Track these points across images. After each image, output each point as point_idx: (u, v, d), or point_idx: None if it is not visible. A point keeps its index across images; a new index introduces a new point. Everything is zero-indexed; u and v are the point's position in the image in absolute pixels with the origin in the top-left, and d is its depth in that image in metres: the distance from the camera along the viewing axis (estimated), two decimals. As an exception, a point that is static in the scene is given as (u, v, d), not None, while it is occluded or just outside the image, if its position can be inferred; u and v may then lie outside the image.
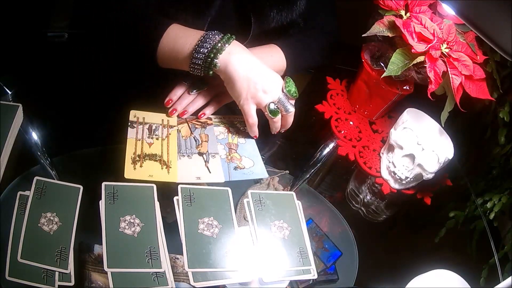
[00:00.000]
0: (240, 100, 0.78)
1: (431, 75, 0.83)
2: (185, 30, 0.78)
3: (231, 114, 0.90)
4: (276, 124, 0.83)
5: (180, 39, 0.76)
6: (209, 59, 0.75)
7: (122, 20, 0.78)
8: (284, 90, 0.81)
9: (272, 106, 0.79)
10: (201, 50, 0.75)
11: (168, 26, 0.77)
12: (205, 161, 0.77)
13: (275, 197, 0.77)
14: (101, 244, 0.62)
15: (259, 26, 0.96)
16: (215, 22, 0.94)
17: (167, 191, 0.71)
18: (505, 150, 0.95)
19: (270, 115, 0.80)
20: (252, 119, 0.80)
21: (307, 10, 0.97)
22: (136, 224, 0.66)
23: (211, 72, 0.77)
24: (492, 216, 0.90)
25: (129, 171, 0.70)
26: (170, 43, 0.76)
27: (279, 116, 0.81)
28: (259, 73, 0.78)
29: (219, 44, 0.75)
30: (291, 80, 0.83)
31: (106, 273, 0.60)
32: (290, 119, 0.84)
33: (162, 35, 0.76)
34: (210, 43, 0.75)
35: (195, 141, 0.81)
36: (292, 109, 0.82)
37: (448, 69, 0.84)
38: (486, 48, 0.90)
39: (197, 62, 0.76)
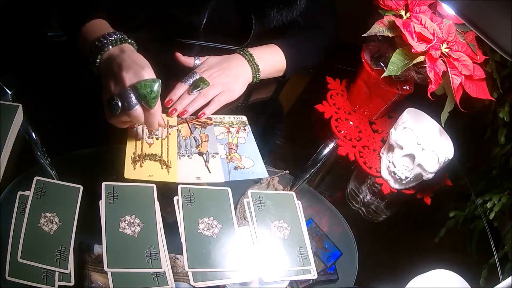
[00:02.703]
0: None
1: (431, 75, 0.83)
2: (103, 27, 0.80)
3: (231, 114, 0.90)
4: (119, 121, 0.73)
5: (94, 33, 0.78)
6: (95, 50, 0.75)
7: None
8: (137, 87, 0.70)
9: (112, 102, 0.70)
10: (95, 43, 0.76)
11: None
12: (205, 161, 0.77)
13: (275, 197, 0.77)
14: (101, 244, 0.62)
15: (259, 25, 0.96)
16: (215, 22, 0.94)
17: (167, 191, 0.71)
18: (505, 150, 0.95)
19: (108, 110, 0.71)
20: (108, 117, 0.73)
21: (307, 10, 0.97)
22: (136, 224, 0.66)
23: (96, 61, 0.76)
24: (492, 216, 0.90)
25: (129, 171, 0.70)
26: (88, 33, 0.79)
27: (117, 113, 0.70)
28: (123, 66, 0.72)
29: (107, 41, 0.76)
30: (151, 83, 0.70)
31: (106, 273, 0.60)
32: (137, 120, 0.72)
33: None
34: (104, 40, 0.76)
35: (195, 141, 0.81)
36: (135, 107, 0.69)
37: (448, 69, 0.84)
38: (486, 48, 0.90)
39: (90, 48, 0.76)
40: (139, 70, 0.71)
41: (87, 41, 0.78)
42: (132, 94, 0.69)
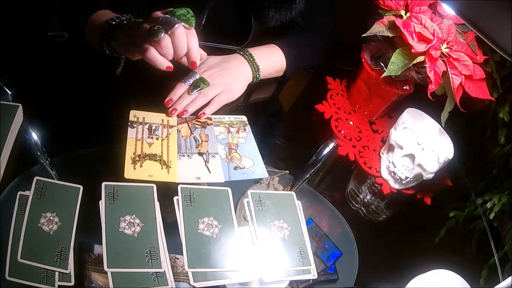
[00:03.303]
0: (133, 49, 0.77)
1: (431, 75, 0.83)
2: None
3: (231, 114, 0.90)
4: (163, 50, 0.74)
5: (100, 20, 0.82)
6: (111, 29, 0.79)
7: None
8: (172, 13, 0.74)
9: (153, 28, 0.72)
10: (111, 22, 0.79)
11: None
12: (205, 161, 0.77)
13: (275, 197, 0.77)
14: (101, 244, 0.62)
15: (258, 25, 0.96)
16: (214, 22, 0.94)
17: (167, 191, 0.71)
18: (505, 150, 0.95)
19: (150, 36, 0.72)
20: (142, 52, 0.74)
21: (306, 10, 0.97)
22: (136, 224, 0.66)
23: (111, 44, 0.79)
24: (492, 216, 0.90)
25: (129, 171, 0.70)
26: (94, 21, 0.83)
27: (161, 36, 0.72)
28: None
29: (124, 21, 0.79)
30: (183, 8, 0.75)
31: (106, 273, 0.60)
32: (180, 41, 0.74)
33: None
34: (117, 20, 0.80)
35: (195, 141, 0.81)
36: (177, 24, 0.72)
37: (448, 69, 0.84)
38: (486, 48, 0.90)
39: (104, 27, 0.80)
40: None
41: (97, 24, 0.80)
42: (171, 17, 0.73)
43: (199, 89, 0.85)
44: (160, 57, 0.75)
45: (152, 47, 0.74)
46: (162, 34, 0.71)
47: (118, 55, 0.82)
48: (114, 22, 0.79)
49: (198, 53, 0.78)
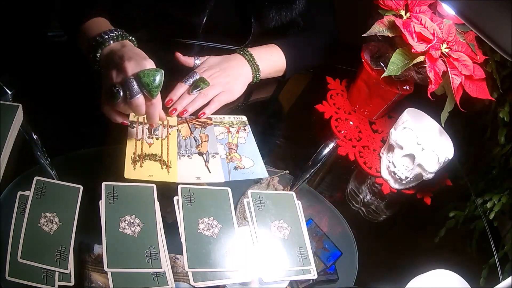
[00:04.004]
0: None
1: (431, 75, 0.83)
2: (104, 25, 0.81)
3: (231, 114, 0.90)
4: (121, 110, 0.73)
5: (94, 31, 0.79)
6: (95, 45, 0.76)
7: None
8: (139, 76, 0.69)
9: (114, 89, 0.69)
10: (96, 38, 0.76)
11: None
12: (205, 161, 0.77)
13: (275, 197, 0.77)
14: (101, 244, 0.62)
15: (259, 26, 0.96)
16: (214, 22, 0.94)
17: (167, 191, 0.71)
18: (505, 150, 0.95)
19: (107, 97, 0.70)
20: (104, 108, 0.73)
21: (306, 10, 0.97)
22: (136, 224, 0.66)
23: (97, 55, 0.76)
24: (492, 216, 0.90)
25: (129, 171, 0.70)
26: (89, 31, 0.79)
27: (117, 102, 0.69)
28: (125, 57, 0.72)
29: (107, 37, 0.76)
30: (154, 72, 0.70)
31: (106, 273, 0.60)
32: (137, 110, 0.70)
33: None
34: (105, 35, 0.76)
35: (195, 141, 0.81)
36: (138, 95, 0.69)
37: (448, 69, 0.84)
38: (486, 48, 0.90)
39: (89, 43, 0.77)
40: (142, 60, 0.70)
41: (88, 37, 0.77)
42: (134, 83, 0.68)
43: (199, 89, 0.85)
44: (113, 114, 0.73)
45: (107, 103, 0.72)
46: (119, 100, 0.69)
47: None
48: (101, 40, 0.75)
49: (156, 120, 0.74)
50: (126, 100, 0.69)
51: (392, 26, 0.87)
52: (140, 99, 0.69)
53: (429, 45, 0.83)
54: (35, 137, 0.76)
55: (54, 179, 0.70)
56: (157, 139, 0.78)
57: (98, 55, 0.75)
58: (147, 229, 0.66)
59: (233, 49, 0.97)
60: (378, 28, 0.88)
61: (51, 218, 0.64)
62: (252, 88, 0.96)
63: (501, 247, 0.89)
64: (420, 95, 0.91)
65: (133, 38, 0.78)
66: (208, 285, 0.63)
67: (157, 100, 0.71)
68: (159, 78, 0.69)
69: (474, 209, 0.95)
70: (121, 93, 0.68)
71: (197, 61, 0.91)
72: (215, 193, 0.73)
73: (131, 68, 0.69)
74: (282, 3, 0.94)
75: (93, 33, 0.77)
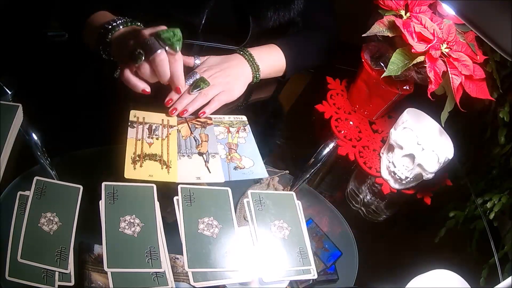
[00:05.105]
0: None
1: (431, 75, 0.83)
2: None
3: (231, 114, 0.90)
4: (143, 75, 0.74)
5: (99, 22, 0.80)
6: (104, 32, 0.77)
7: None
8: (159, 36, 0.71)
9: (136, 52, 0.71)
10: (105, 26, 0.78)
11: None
12: (205, 161, 0.77)
13: (275, 197, 0.77)
14: (101, 244, 0.62)
15: (257, 26, 0.96)
16: (213, 22, 0.94)
17: (167, 191, 0.71)
18: (505, 150, 0.95)
19: (131, 60, 0.72)
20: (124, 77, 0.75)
21: (306, 10, 0.97)
22: (136, 224, 0.66)
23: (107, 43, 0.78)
24: (492, 216, 0.90)
25: (129, 171, 0.70)
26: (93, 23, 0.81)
27: (141, 62, 0.71)
28: (139, 29, 0.75)
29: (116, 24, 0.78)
30: (173, 29, 0.72)
31: (106, 273, 0.60)
32: (161, 67, 0.72)
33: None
34: (112, 23, 0.78)
35: (195, 141, 0.81)
36: (160, 50, 0.70)
37: (448, 69, 0.84)
38: (486, 48, 0.90)
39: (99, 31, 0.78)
40: (156, 27, 0.72)
41: (95, 27, 0.79)
42: (155, 40, 0.70)
43: (199, 88, 0.85)
44: (133, 80, 0.74)
45: (129, 69, 0.73)
46: (142, 61, 0.70)
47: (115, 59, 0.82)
48: (110, 26, 0.77)
49: (182, 79, 0.76)
50: (149, 60, 0.70)
51: (392, 26, 0.87)
52: (163, 53, 0.70)
53: (429, 45, 0.83)
54: (35, 137, 0.76)
55: (54, 179, 0.70)
56: (157, 139, 0.78)
57: (108, 40, 0.77)
58: (147, 229, 0.66)
59: (232, 49, 0.97)
60: (378, 28, 0.88)
61: (51, 218, 0.64)
62: (252, 88, 0.96)
63: (501, 247, 0.89)
64: (420, 95, 0.91)
65: (141, 24, 0.79)
66: (208, 285, 0.63)
67: (179, 56, 0.73)
68: (178, 33, 0.71)
69: (474, 209, 0.95)
70: (143, 54, 0.69)
71: (197, 61, 0.91)
72: (215, 193, 0.73)
73: (148, 31, 0.72)
74: (280, 3, 0.94)
75: (101, 22, 0.79)
